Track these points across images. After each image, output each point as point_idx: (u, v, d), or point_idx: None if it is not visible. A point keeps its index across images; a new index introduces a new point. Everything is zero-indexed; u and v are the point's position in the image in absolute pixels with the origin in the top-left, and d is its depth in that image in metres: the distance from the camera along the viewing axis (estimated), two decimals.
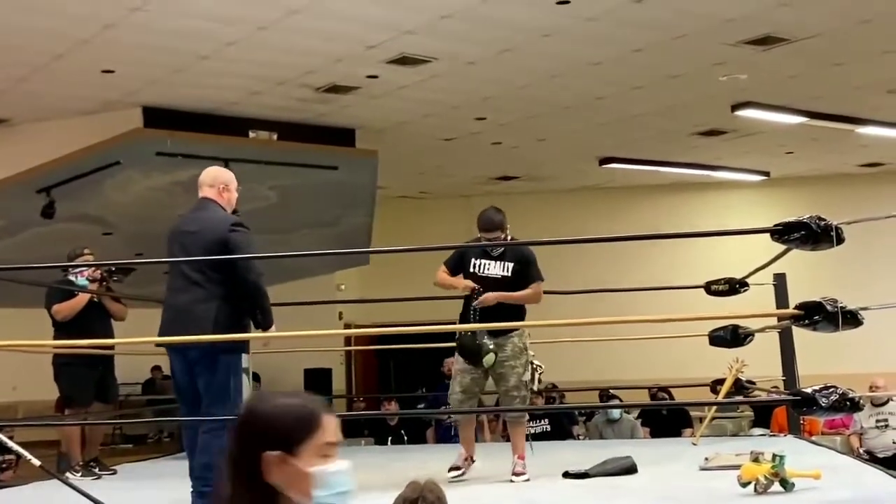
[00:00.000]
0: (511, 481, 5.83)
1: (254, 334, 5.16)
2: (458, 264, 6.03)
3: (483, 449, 6.73)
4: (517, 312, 5.92)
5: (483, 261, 5.91)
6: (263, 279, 5.07)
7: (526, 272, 5.93)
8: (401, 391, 14.64)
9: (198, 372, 5.03)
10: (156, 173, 10.62)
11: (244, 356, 5.11)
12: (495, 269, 5.88)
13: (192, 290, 5.03)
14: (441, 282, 6.08)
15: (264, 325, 5.09)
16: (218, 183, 5.30)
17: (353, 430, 10.84)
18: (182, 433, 5.18)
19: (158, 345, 5.32)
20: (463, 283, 5.89)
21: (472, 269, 5.91)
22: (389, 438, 10.34)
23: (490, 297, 5.79)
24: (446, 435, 9.77)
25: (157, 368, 15.50)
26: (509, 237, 5.95)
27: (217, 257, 4.99)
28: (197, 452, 4.97)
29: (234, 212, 5.35)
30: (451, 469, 5.93)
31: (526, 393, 5.93)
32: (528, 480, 5.81)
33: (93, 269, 6.98)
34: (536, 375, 5.97)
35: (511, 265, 5.89)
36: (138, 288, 10.01)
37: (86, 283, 7.02)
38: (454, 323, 6.07)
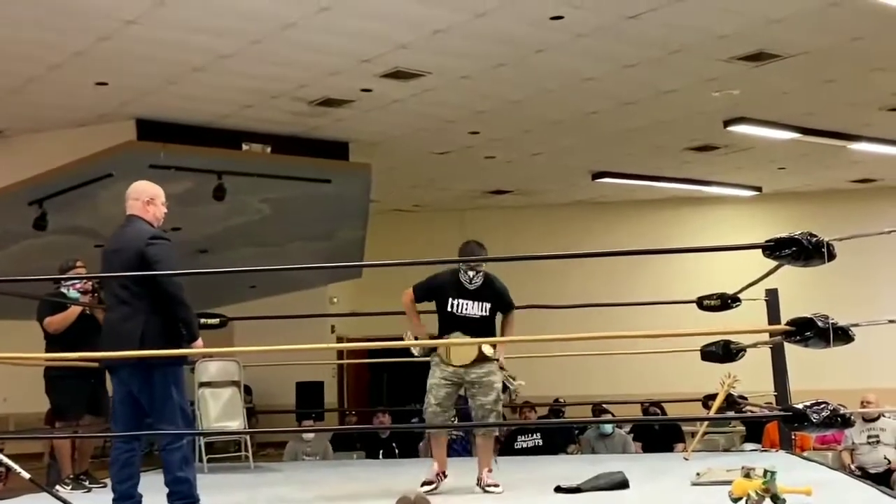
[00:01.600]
0: (486, 491, 5.94)
1: (183, 350, 5.05)
2: (429, 295, 6.12)
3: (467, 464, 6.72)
4: (494, 333, 6.10)
5: (461, 301, 6.00)
6: (184, 290, 4.98)
7: (501, 307, 6.11)
8: (393, 405, 14.61)
9: (135, 391, 4.99)
10: None
11: (183, 368, 5.10)
12: (474, 308, 6.00)
13: (119, 308, 5.03)
14: (406, 307, 6.20)
15: (188, 338, 5.01)
16: (143, 197, 5.25)
17: (345, 443, 10.82)
18: (114, 446, 5.16)
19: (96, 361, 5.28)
20: (420, 333, 6.12)
21: (450, 310, 6.00)
22: (381, 452, 10.32)
23: (501, 360, 6.06)
24: (452, 450, 9.74)
25: None
26: (482, 272, 6.02)
27: (139, 272, 4.94)
28: (164, 471, 4.97)
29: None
30: (423, 483, 5.99)
31: (501, 409, 6.13)
32: (502, 492, 5.92)
33: (84, 281, 6.96)
34: (511, 389, 6.14)
35: (488, 305, 6.03)
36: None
37: (78, 295, 7.00)
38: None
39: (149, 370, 4.92)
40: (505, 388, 6.10)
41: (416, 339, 6.19)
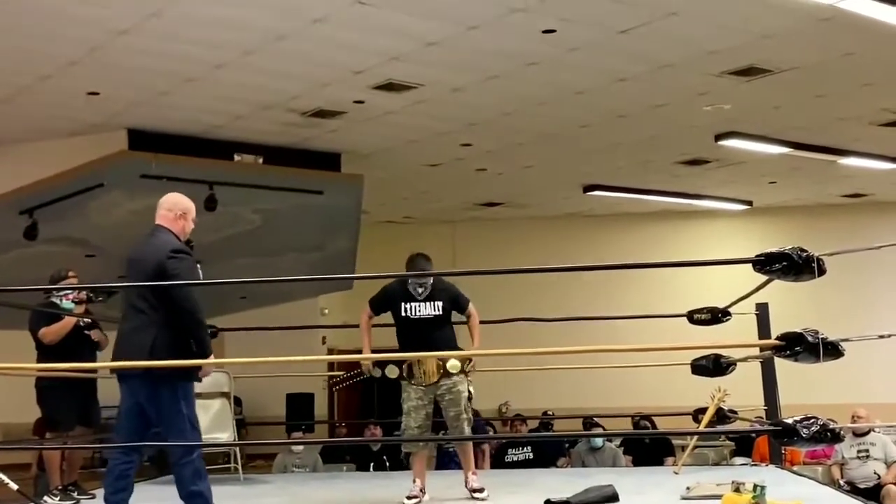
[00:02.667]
0: (474, 497, 6.08)
1: (190, 361, 5.01)
2: (383, 306, 6.26)
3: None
4: (454, 341, 6.20)
5: (412, 304, 6.12)
6: (200, 307, 4.97)
7: (455, 305, 6.22)
8: (384, 418, 14.58)
9: (143, 402, 4.97)
10: (140, 196, 10.57)
11: (192, 383, 5.06)
12: (427, 309, 6.12)
13: (134, 318, 5.01)
14: (362, 326, 6.32)
15: (199, 356, 4.99)
16: (177, 209, 5.27)
17: (335, 455, 10.80)
18: (112, 456, 5.14)
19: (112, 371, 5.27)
20: (366, 352, 6.23)
21: (403, 314, 6.13)
22: (371, 464, 10.30)
23: (475, 361, 6.19)
24: (443, 461, 9.72)
25: None
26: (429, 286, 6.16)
27: (156, 283, 4.94)
28: (177, 485, 4.94)
29: (188, 242, 5.26)
30: (408, 497, 6.07)
31: (471, 415, 6.25)
32: (487, 496, 6.05)
33: (77, 291, 6.94)
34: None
35: (440, 303, 6.14)
36: (120, 311, 9.95)
37: (71, 306, 6.99)
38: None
39: (157, 382, 4.89)
40: (469, 395, 6.20)
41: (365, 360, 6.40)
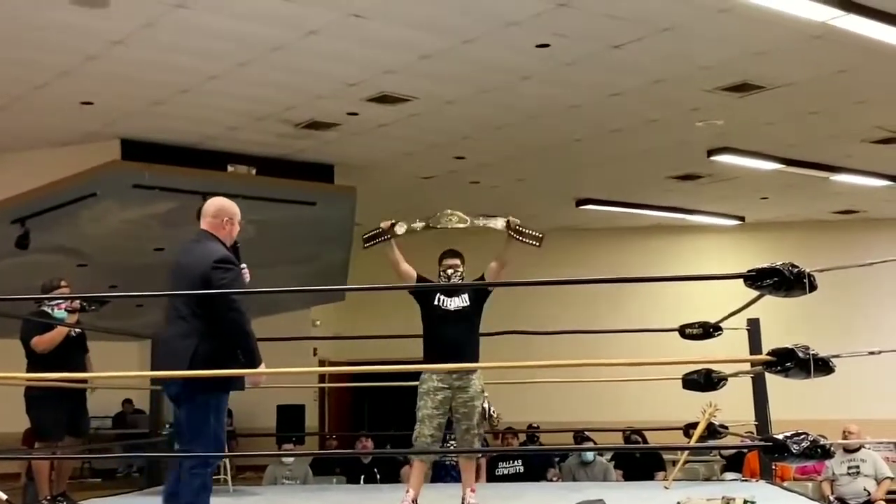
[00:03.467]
0: None
1: (232, 371, 4.97)
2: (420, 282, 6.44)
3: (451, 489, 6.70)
4: (477, 352, 6.22)
5: (443, 296, 6.26)
6: (247, 318, 4.92)
7: (480, 292, 6.32)
8: (375, 430, 14.56)
9: (180, 408, 4.97)
10: (132, 206, 10.59)
11: (226, 396, 5.02)
12: (456, 302, 6.24)
13: (177, 324, 4.97)
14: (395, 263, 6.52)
15: (248, 365, 4.94)
16: (223, 215, 5.23)
17: (325, 467, 10.77)
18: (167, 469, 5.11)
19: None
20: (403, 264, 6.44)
21: (436, 303, 6.24)
22: (362, 477, 10.28)
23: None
24: (439, 474, 9.70)
25: (128, 402, 15.36)
26: (463, 272, 6.35)
27: (196, 292, 4.91)
28: (180, 490, 4.90)
29: (234, 244, 5.23)
30: None
31: (482, 431, 6.27)
32: None
33: (70, 301, 6.94)
34: (488, 416, 6.25)
35: (466, 295, 6.26)
36: (112, 321, 9.95)
37: (64, 315, 6.98)
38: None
39: (192, 392, 4.87)
40: (485, 414, 6.19)
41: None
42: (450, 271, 6.28)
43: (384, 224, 6.49)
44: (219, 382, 4.90)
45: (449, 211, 6.47)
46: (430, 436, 6.04)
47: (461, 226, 6.37)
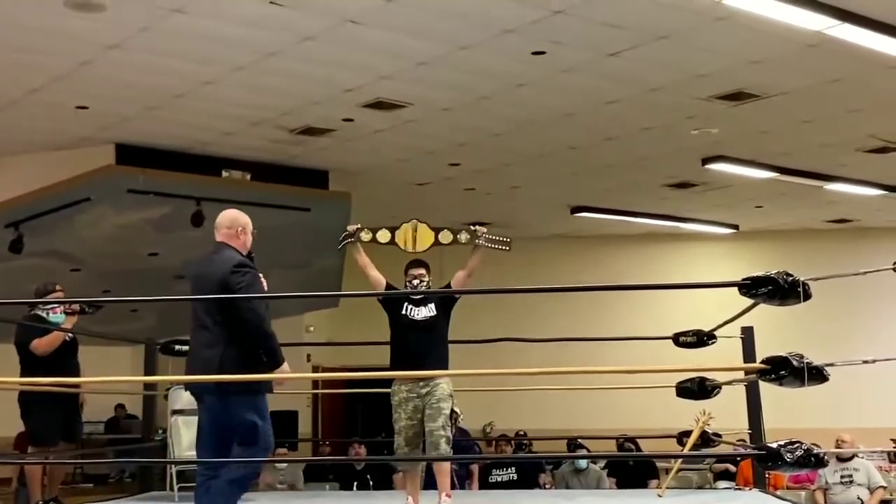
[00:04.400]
0: None
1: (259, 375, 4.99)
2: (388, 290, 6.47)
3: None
4: (446, 359, 6.28)
5: (410, 306, 6.28)
6: (267, 319, 4.99)
7: (446, 300, 6.34)
8: (368, 436, 14.54)
9: (218, 419, 4.96)
10: (127, 210, 10.57)
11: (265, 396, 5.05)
12: (423, 312, 6.26)
13: (201, 334, 5.02)
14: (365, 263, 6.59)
15: (271, 366, 4.96)
16: (236, 226, 5.29)
17: (318, 473, 10.75)
18: (198, 472, 5.12)
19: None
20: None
21: (403, 312, 6.27)
22: (355, 483, 10.25)
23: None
24: (430, 482, 9.67)
25: (120, 406, 15.32)
26: (429, 281, 6.40)
27: (207, 297, 4.96)
28: (212, 489, 4.89)
29: (249, 254, 5.27)
30: None
31: (450, 434, 6.20)
32: None
33: (65, 304, 6.94)
34: (454, 420, 6.22)
35: (432, 304, 6.28)
36: (105, 325, 9.92)
37: (59, 319, 6.98)
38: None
39: (225, 399, 4.89)
40: (453, 416, 6.19)
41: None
42: (416, 281, 6.31)
43: (350, 228, 6.59)
44: (253, 385, 4.93)
45: (416, 221, 6.46)
46: (405, 445, 6.13)
47: (424, 247, 6.38)
